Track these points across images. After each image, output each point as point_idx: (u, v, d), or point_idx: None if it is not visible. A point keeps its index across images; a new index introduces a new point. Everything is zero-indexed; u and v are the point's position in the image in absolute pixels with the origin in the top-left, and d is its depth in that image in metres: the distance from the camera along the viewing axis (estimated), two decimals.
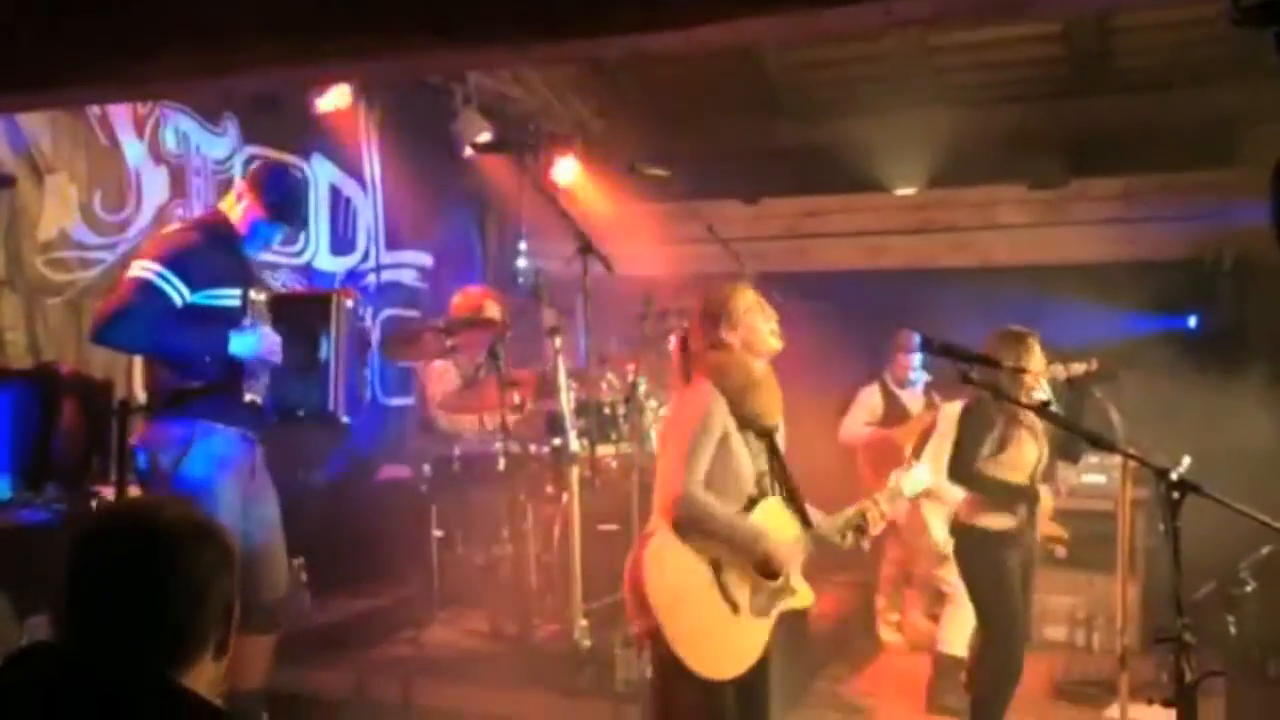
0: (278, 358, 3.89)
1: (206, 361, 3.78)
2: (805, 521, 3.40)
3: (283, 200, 4.10)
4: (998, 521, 4.36)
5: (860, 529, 3.43)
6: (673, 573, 3.20)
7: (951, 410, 5.55)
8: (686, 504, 3.17)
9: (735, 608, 3.23)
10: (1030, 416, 4.35)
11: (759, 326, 3.39)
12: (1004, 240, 7.47)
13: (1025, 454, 4.36)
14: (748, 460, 3.30)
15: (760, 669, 3.33)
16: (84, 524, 1.69)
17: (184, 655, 1.58)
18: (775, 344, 3.42)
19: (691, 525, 3.19)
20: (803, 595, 3.40)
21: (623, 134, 8.03)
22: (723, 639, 3.22)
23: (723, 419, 3.25)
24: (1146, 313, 6.75)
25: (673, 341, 3.58)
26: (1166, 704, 2.74)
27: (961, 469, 4.34)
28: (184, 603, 1.58)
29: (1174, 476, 2.76)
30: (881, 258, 7.76)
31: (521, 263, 8.34)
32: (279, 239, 4.31)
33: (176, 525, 1.63)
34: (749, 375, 3.33)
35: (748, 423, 3.31)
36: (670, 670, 3.21)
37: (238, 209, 4.02)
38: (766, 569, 3.26)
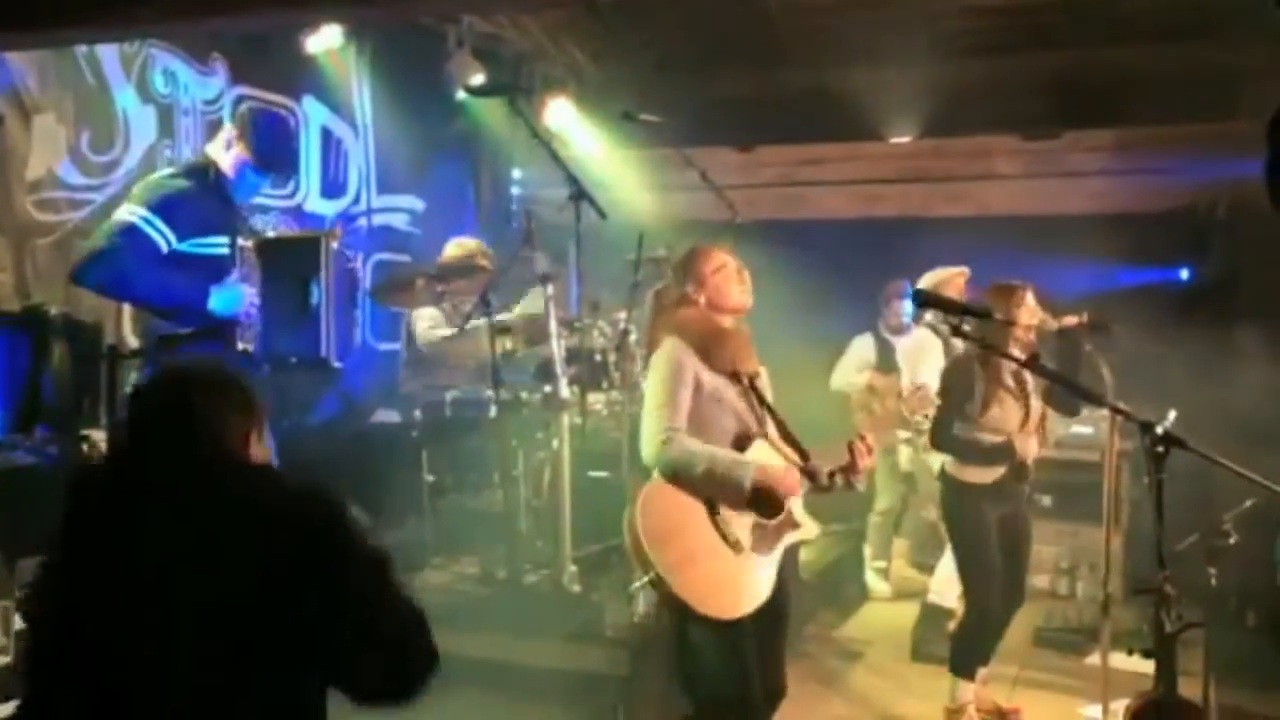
0: (255, 312, 3.88)
1: (194, 310, 3.78)
2: (802, 455, 3.40)
3: (273, 148, 4.07)
4: (977, 475, 4.40)
5: (846, 470, 3.42)
6: (666, 518, 3.21)
7: (907, 344, 5.62)
8: (667, 449, 3.19)
9: (737, 546, 3.24)
10: (1015, 373, 4.36)
11: (726, 287, 3.41)
12: (998, 190, 7.45)
13: (1007, 413, 4.37)
14: (729, 406, 3.33)
15: (779, 604, 3.36)
16: (140, 381, 2.32)
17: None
18: (743, 301, 3.44)
19: (676, 469, 3.21)
20: (807, 528, 3.42)
21: (617, 78, 7.95)
22: (726, 578, 3.22)
23: (693, 369, 3.28)
24: (1139, 264, 6.76)
25: (648, 298, 3.58)
26: (1146, 654, 2.78)
27: (939, 434, 4.36)
28: (207, 435, 2.04)
29: (1159, 431, 2.78)
30: (875, 206, 7.74)
31: (514, 207, 8.33)
32: (268, 185, 4.29)
33: (200, 378, 2.14)
34: (712, 326, 3.37)
35: (721, 370, 3.33)
36: (683, 614, 3.22)
37: (227, 156, 3.99)
38: (762, 501, 3.26)
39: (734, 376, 3.37)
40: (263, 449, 2.16)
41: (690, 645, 3.27)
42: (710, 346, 3.32)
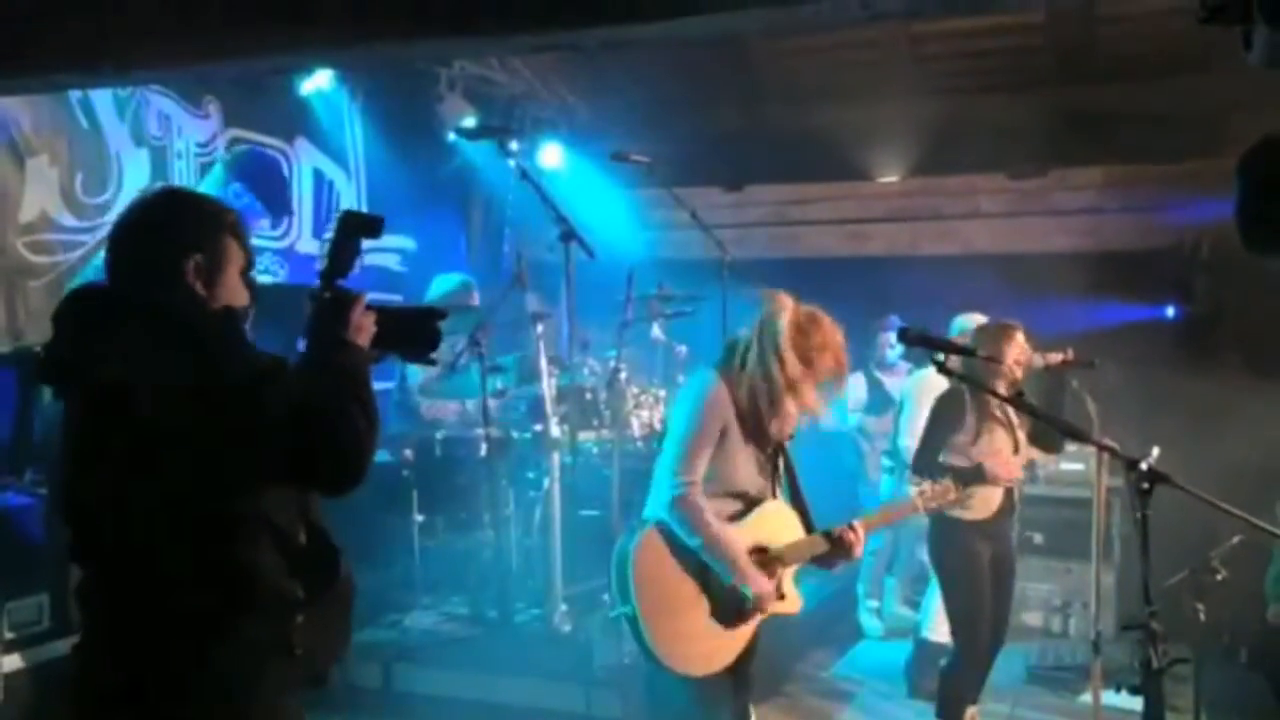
0: None
1: None
2: (809, 527, 3.37)
3: (274, 191, 4.08)
4: (968, 512, 4.39)
5: (831, 556, 3.34)
6: (661, 562, 3.18)
7: (915, 380, 5.64)
8: (677, 505, 3.14)
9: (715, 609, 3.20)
10: (1005, 407, 4.39)
11: (815, 399, 3.23)
12: (985, 228, 7.51)
13: (997, 443, 4.39)
14: (746, 460, 3.26)
15: (747, 657, 3.31)
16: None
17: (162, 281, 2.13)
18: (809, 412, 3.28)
19: (678, 526, 3.16)
20: (790, 602, 3.34)
21: (607, 119, 8.03)
22: (698, 638, 3.19)
23: (724, 416, 3.19)
24: (1125, 302, 6.79)
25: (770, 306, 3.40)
26: (1133, 691, 2.77)
27: (922, 460, 4.36)
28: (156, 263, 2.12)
29: (1144, 467, 2.79)
30: (864, 245, 7.80)
31: (505, 248, 8.37)
32: (266, 225, 4.28)
33: (120, 227, 2.19)
34: (760, 406, 3.21)
35: (746, 434, 3.25)
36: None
37: (224, 194, 4.01)
38: (734, 599, 3.20)
39: (761, 441, 3.30)
40: (231, 280, 2.20)
41: (660, 682, 3.27)
42: (748, 419, 3.23)
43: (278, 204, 4.26)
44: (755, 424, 3.24)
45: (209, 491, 2.00)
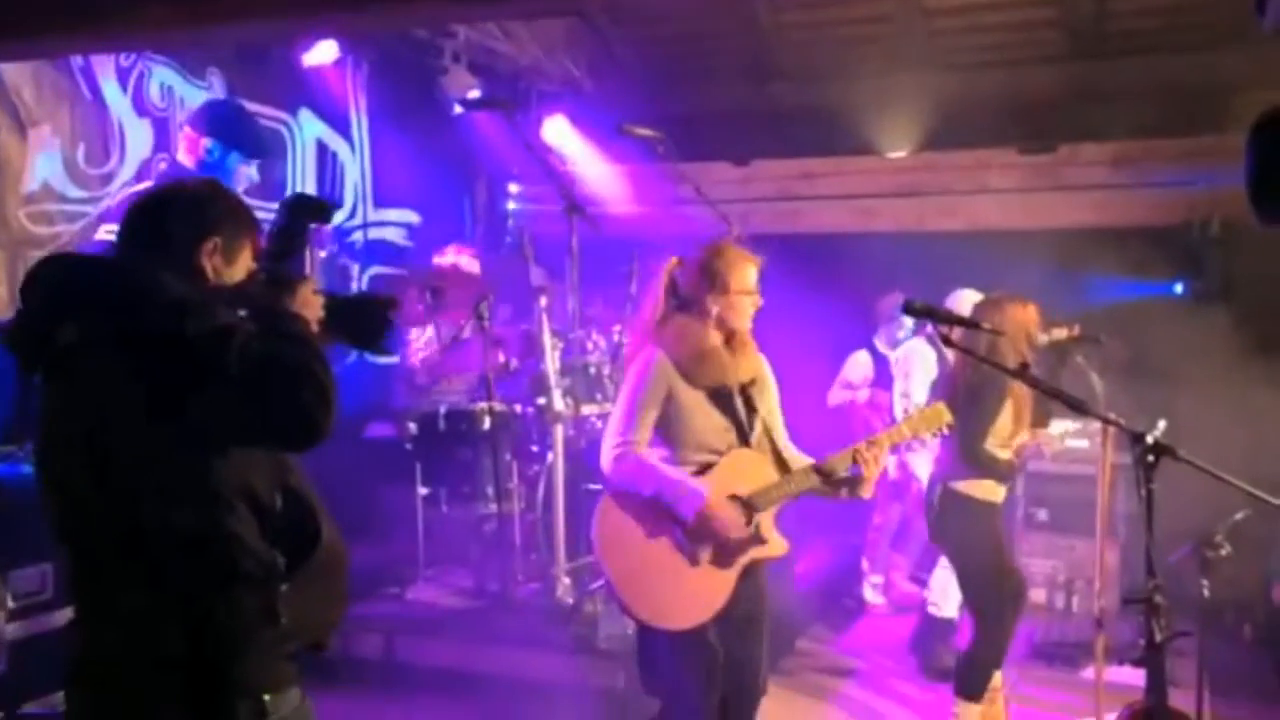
0: None
1: None
2: (783, 468, 3.37)
3: (225, 124, 3.98)
4: (993, 493, 4.34)
5: (852, 480, 3.32)
6: (622, 527, 3.21)
7: (899, 354, 5.62)
8: (618, 463, 3.19)
9: (693, 558, 3.21)
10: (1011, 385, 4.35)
11: (744, 309, 3.32)
12: (993, 204, 7.46)
13: (1017, 426, 4.35)
14: (705, 415, 3.27)
15: (747, 610, 3.30)
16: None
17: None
18: (745, 326, 3.35)
19: (625, 484, 3.20)
20: (774, 545, 3.33)
21: (613, 93, 7.98)
22: (674, 591, 3.20)
23: (666, 380, 3.24)
24: (1135, 278, 6.75)
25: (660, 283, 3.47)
26: (1136, 664, 2.76)
27: (976, 449, 4.24)
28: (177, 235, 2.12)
29: (1149, 440, 2.76)
30: (871, 221, 7.75)
31: (510, 222, 8.35)
32: (244, 169, 4.09)
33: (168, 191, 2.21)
34: (700, 347, 3.28)
35: (702, 386, 3.28)
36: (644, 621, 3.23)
37: (190, 158, 3.94)
38: (702, 531, 3.19)
39: (718, 388, 3.32)
40: (243, 262, 2.18)
41: (651, 647, 3.28)
42: (693, 366, 3.27)
43: (241, 138, 4.04)
44: (704, 374, 3.26)
45: (185, 458, 1.99)
